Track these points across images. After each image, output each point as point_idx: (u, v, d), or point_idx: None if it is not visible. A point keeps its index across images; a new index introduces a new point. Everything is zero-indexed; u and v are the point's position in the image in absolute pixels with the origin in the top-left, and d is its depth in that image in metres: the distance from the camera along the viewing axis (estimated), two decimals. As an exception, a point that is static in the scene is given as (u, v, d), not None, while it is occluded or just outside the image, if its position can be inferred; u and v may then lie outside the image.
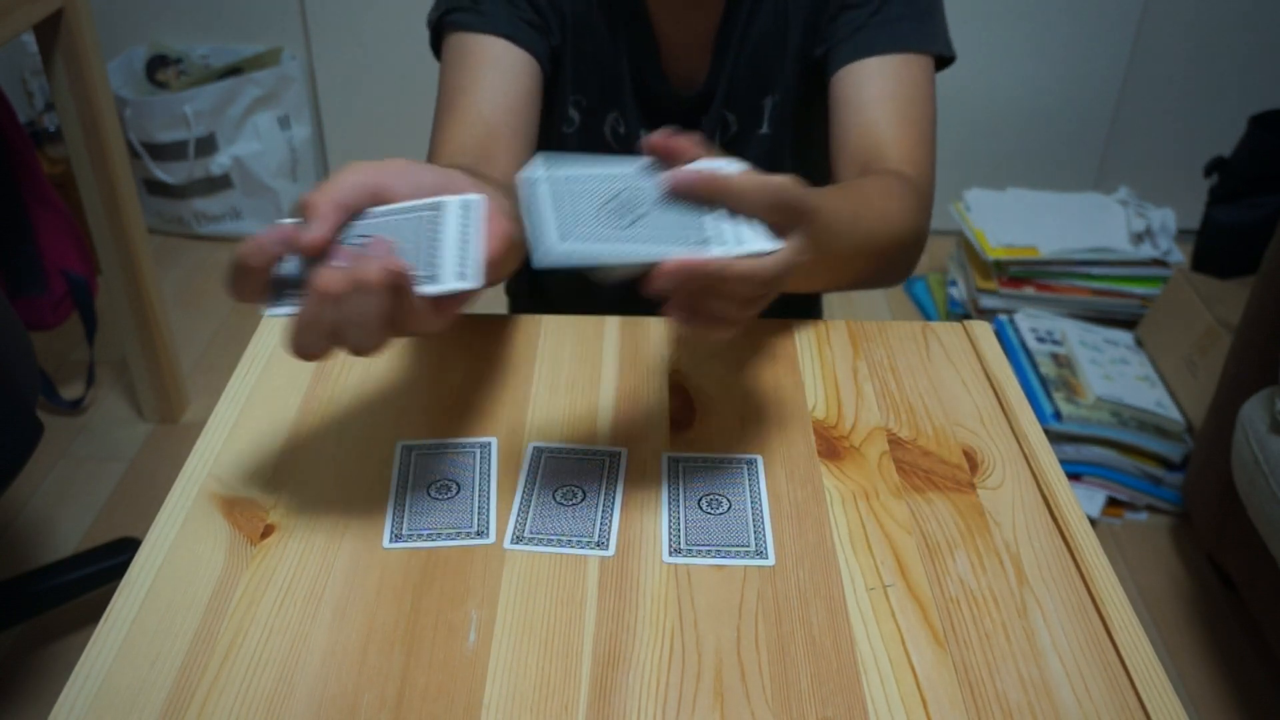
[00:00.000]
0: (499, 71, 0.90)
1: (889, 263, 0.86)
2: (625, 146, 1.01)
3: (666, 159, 0.60)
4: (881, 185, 0.84)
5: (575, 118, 1.00)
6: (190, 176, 2.43)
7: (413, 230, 0.58)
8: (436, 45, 0.95)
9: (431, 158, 0.88)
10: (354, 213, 0.58)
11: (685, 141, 0.60)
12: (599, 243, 0.56)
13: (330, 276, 0.54)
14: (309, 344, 0.56)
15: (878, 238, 0.81)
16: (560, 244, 0.55)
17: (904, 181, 0.85)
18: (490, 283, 0.60)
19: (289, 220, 0.57)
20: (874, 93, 0.89)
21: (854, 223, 0.77)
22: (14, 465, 1.19)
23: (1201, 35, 2.41)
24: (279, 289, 0.57)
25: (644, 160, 0.61)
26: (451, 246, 0.58)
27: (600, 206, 0.58)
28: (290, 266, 0.57)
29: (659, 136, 0.60)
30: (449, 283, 0.56)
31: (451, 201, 0.60)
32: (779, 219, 0.59)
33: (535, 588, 0.61)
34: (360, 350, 0.57)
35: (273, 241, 0.56)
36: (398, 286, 0.55)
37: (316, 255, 0.57)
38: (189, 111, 2.35)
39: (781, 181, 0.59)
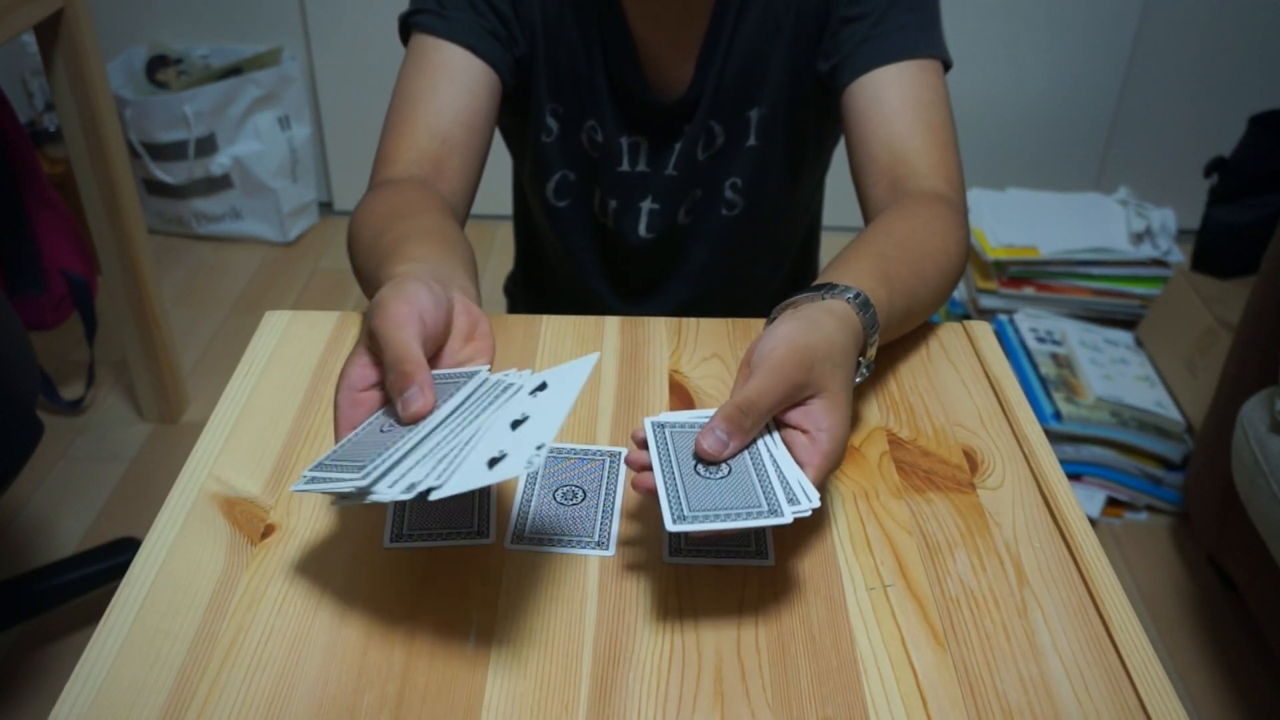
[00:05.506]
0: (457, 83, 0.89)
1: (947, 292, 0.84)
2: (603, 154, 1.00)
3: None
4: (925, 223, 0.81)
5: (554, 126, 0.99)
6: (190, 176, 2.43)
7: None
8: (406, 42, 0.94)
9: (382, 165, 0.87)
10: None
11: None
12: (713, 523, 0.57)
13: None
14: None
15: (938, 283, 0.80)
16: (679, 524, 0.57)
17: (943, 204, 0.83)
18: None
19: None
20: (893, 102, 0.87)
21: (911, 292, 0.76)
22: (14, 465, 1.19)
23: (1202, 35, 2.41)
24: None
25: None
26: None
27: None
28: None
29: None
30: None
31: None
32: (797, 396, 0.62)
33: (535, 588, 0.61)
34: None
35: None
36: None
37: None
38: (189, 111, 2.35)
39: (779, 367, 0.61)
